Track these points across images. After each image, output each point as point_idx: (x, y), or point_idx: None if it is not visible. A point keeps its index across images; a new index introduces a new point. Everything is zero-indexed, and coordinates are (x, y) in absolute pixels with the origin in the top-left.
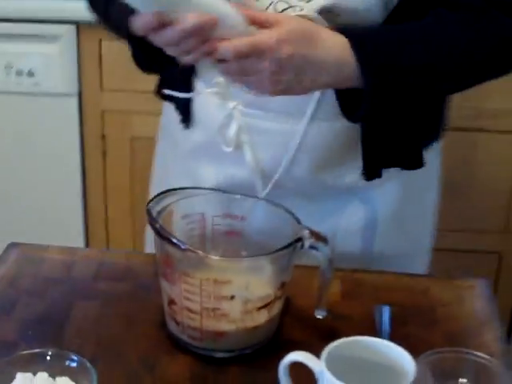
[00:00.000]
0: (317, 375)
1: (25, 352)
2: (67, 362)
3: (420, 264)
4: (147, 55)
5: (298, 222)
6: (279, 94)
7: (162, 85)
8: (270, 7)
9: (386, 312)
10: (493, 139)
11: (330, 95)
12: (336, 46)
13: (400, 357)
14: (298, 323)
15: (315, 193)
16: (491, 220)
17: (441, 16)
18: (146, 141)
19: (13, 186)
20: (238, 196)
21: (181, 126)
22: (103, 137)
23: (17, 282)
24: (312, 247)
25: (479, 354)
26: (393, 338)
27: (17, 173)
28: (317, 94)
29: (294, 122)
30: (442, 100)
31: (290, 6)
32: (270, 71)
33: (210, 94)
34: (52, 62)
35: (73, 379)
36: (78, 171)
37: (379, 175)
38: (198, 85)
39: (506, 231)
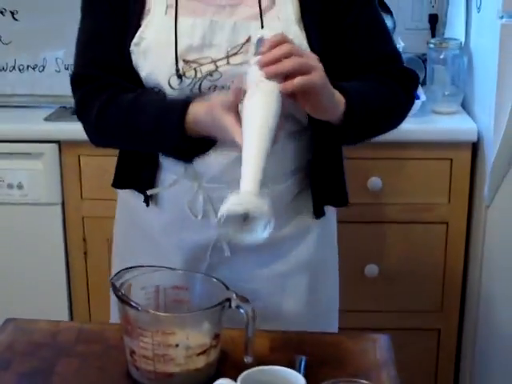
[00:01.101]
0: None
1: None
2: None
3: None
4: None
5: (227, 288)
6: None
7: (122, 174)
8: None
9: (302, 360)
10: (426, 229)
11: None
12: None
13: (294, 377)
14: (232, 370)
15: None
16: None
17: (376, 81)
18: None
19: (6, 282)
20: (183, 272)
21: (142, 208)
22: (84, 239)
23: (13, 346)
24: (237, 306)
25: (368, 382)
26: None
27: (8, 271)
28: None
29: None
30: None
31: None
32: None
33: (179, 180)
34: (38, 175)
35: None
36: (63, 270)
37: (323, 213)
38: (164, 174)
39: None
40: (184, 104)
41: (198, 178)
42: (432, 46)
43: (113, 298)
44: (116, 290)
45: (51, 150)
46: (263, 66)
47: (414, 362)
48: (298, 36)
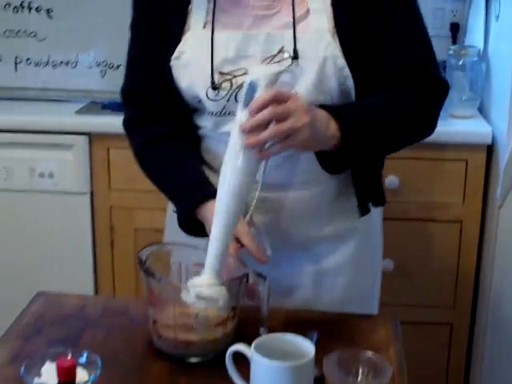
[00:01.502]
0: (249, 359)
1: (51, 350)
2: (80, 359)
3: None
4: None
5: (245, 265)
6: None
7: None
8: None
9: (314, 335)
10: (440, 227)
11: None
12: (324, 118)
13: (305, 344)
14: (248, 341)
15: (301, 243)
16: (441, 296)
17: (384, 97)
18: (146, 231)
19: (35, 268)
20: (204, 250)
21: None
22: (111, 228)
23: (43, 316)
24: (254, 282)
25: (373, 353)
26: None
27: (38, 256)
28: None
29: (283, 190)
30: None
31: None
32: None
33: None
34: (68, 166)
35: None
36: (90, 257)
37: (369, 210)
38: None
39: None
40: (201, 198)
41: None
42: (452, 52)
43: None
44: (142, 263)
45: (82, 142)
46: (245, 133)
47: (426, 356)
48: (330, 45)
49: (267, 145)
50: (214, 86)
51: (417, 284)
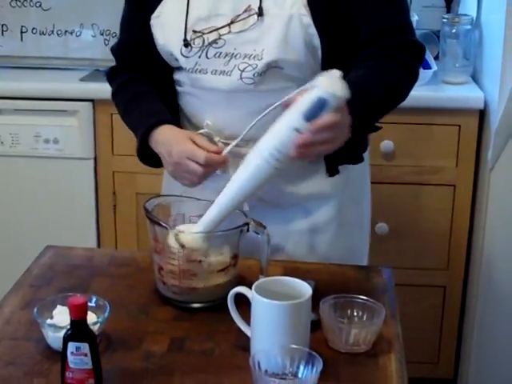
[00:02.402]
0: (250, 300)
1: (61, 294)
2: (89, 303)
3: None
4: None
5: (246, 215)
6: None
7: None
8: (231, 62)
9: (311, 284)
10: (434, 191)
11: None
12: None
13: (302, 286)
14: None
15: (276, 202)
16: (435, 259)
17: (375, 70)
18: (148, 196)
19: (40, 231)
20: (206, 202)
21: None
22: (114, 193)
23: (53, 267)
24: (254, 231)
25: (367, 298)
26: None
27: (43, 220)
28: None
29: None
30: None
31: (249, 65)
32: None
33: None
34: (72, 132)
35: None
36: (93, 221)
37: (338, 171)
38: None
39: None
40: (155, 123)
41: (217, 135)
42: (445, 21)
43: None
44: (148, 212)
45: (86, 108)
46: (300, 147)
47: (420, 317)
48: (296, 3)
49: None
50: (187, 43)
51: (411, 247)
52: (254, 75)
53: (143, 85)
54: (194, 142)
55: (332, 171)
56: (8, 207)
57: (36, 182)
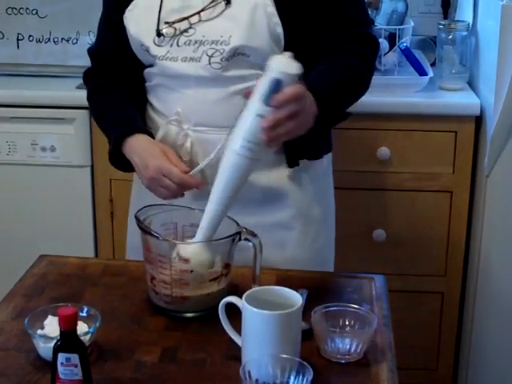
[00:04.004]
0: (241, 309)
1: (52, 304)
2: (80, 313)
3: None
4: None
5: (238, 224)
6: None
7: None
8: (200, 49)
9: (304, 293)
10: (431, 198)
11: None
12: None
13: (293, 296)
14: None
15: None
16: (433, 265)
17: (339, 65)
18: None
19: (37, 239)
20: (199, 211)
21: None
22: (111, 200)
23: (46, 276)
24: (246, 239)
25: (359, 307)
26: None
27: (40, 229)
28: None
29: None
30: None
31: (216, 50)
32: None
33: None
34: (69, 139)
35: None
36: (90, 229)
37: (297, 164)
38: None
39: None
40: (130, 130)
41: (186, 122)
42: (442, 27)
43: (129, 239)
44: (140, 222)
45: (82, 116)
46: (268, 129)
47: (418, 323)
48: (265, 1)
49: None
50: (159, 33)
51: (408, 253)
52: (221, 60)
53: (118, 90)
54: (168, 158)
55: (292, 163)
56: (4, 215)
57: (33, 190)
